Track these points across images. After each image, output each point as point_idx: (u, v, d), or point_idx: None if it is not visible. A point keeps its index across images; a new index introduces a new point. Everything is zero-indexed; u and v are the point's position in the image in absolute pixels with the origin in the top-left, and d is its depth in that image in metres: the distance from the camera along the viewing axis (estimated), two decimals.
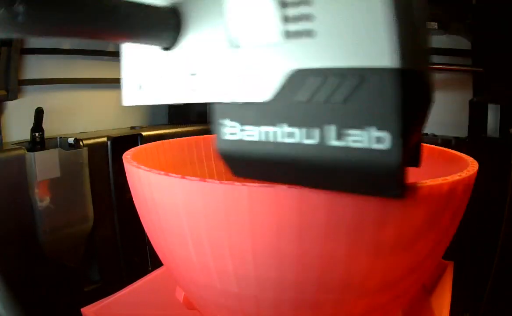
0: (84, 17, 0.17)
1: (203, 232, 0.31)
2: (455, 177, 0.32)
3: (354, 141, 0.17)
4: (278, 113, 0.19)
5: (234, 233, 0.30)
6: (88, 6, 0.17)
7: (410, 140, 0.18)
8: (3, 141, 0.66)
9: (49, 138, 0.68)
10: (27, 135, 0.66)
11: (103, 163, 0.73)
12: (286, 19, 0.18)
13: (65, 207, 0.65)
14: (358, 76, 0.17)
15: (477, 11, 0.78)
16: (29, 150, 0.62)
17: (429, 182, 0.30)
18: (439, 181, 0.31)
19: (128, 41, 0.22)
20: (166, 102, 0.23)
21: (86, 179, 0.68)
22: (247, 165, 0.22)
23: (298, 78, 0.18)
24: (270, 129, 0.19)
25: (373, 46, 0.16)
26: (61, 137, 0.70)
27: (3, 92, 0.65)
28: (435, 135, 0.85)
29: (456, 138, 0.83)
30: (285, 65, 0.18)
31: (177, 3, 0.21)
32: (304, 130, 0.18)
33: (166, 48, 0.22)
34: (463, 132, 0.86)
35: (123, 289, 0.50)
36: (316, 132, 0.18)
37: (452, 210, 0.33)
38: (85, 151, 0.68)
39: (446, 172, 0.39)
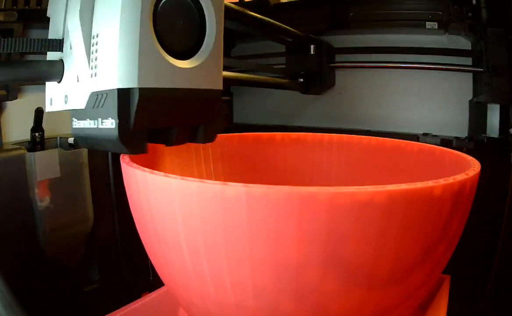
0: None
1: (199, 237, 0.31)
2: (463, 176, 0.32)
3: (106, 124, 0.34)
4: (87, 114, 0.36)
5: (232, 238, 0.30)
6: (14, 66, 0.36)
7: (128, 125, 0.34)
8: (3, 141, 0.66)
9: (49, 138, 0.68)
10: (27, 135, 0.66)
11: (103, 163, 0.73)
12: (92, 70, 0.35)
13: (65, 207, 0.65)
14: (105, 95, 0.34)
15: (477, 11, 0.79)
16: (29, 150, 0.62)
17: (442, 181, 0.30)
18: (449, 180, 0.30)
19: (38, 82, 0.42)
20: (55, 110, 0.41)
21: (86, 179, 0.68)
22: (84, 141, 0.39)
23: (91, 96, 0.36)
24: (86, 121, 0.37)
25: (111, 77, 0.34)
26: (61, 137, 0.70)
27: (3, 92, 0.65)
28: (435, 135, 0.85)
29: (456, 138, 0.83)
30: (89, 91, 0.36)
31: (61, 58, 0.39)
32: (93, 121, 0.36)
33: (58, 82, 0.39)
34: (463, 132, 0.86)
35: (122, 308, 0.49)
36: (96, 121, 0.35)
37: (461, 210, 0.33)
38: (85, 151, 0.68)
39: (448, 172, 0.39)
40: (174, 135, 0.39)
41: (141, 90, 0.33)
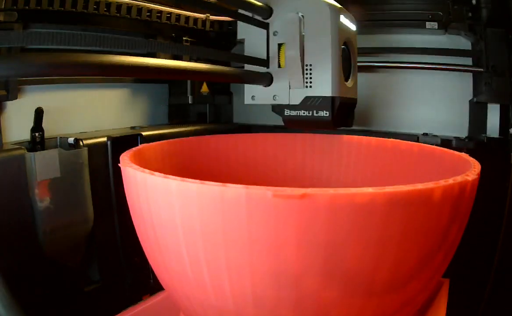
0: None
1: (199, 239, 0.31)
2: (464, 177, 0.32)
3: (320, 114, 0.58)
4: (301, 107, 0.60)
5: (231, 240, 0.30)
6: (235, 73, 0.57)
7: (333, 114, 0.58)
8: (3, 141, 0.66)
9: (49, 138, 0.68)
10: (27, 135, 0.66)
11: (103, 163, 0.73)
12: (306, 83, 0.61)
13: (65, 207, 0.65)
14: (320, 98, 0.58)
15: (477, 11, 0.78)
16: (29, 150, 0.62)
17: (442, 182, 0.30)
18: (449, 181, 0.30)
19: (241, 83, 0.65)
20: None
21: (86, 179, 0.68)
22: (295, 122, 0.63)
23: (306, 98, 0.59)
24: (300, 111, 0.61)
25: (325, 89, 0.58)
26: (61, 137, 0.70)
27: (3, 92, 0.65)
28: (435, 136, 0.85)
29: (456, 138, 0.83)
30: (304, 95, 0.60)
31: (268, 72, 0.60)
32: (307, 111, 0.59)
33: (265, 86, 0.59)
34: (463, 132, 0.86)
35: (123, 313, 0.49)
36: (311, 111, 0.59)
37: (461, 213, 0.33)
38: (85, 151, 0.68)
39: (448, 173, 0.39)
40: (340, 121, 0.60)
41: (340, 98, 0.57)
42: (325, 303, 0.31)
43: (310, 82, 0.57)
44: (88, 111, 0.84)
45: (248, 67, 0.60)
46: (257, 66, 0.59)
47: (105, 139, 0.73)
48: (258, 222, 0.29)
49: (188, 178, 0.30)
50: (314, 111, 0.57)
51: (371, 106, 0.97)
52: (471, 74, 0.85)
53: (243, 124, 1.09)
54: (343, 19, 0.58)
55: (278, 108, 0.60)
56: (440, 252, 0.34)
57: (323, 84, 0.57)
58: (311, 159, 0.66)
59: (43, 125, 0.66)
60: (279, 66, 0.58)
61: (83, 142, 0.68)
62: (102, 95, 0.87)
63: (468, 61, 0.86)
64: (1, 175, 0.58)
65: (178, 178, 0.31)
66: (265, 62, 0.59)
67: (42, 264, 0.63)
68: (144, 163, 0.45)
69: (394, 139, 0.61)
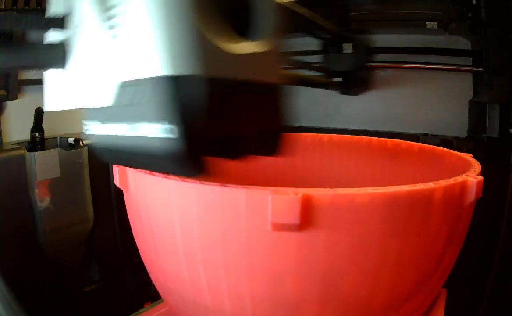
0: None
1: (196, 240, 0.31)
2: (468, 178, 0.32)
3: (153, 131, 0.23)
4: (116, 114, 0.25)
5: (229, 241, 0.29)
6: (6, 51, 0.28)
7: (194, 132, 0.22)
8: (3, 141, 0.66)
9: (49, 138, 0.68)
10: (27, 135, 0.66)
11: (103, 163, 0.73)
12: (118, 49, 0.24)
13: (65, 207, 0.65)
14: (149, 84, 0.22)
15: (477, 11, 0.78)
16: (29, 150, 0.62)
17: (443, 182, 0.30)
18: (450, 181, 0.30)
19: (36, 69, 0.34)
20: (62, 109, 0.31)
21: (86, 179, 0.68)
22: (112, 154, 0.28)
23: (123, 88, 0.24)
24: (116, 125, 0.26)
25: (153, 59, 0.22)
26: (61, 137, 0.70)
27: (3, 92, 0.65)
28: (435, 136, 0.85)
29: (456, 138, 0.83)
30: (117, 80, 0.25)
31: (65, 39, 0.28)
32: (129, 125, 0.24)
33: (62, 68, 0.29)
34: (463, 132, 0.86)
35: None
36: (135, 125, 0.24)
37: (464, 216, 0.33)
38: (85, 151, 0.68)
39: (448, 173, 0.39)
40: (241, 144, 0.29)
41: (210, 80, 0.22)
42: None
43: (126, 43, 0.24)
44: None
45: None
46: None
47: None
48: (258, 222, 0.29)
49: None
50: (141, 123, 0.24)
51: (371, 106, 0.97)
52: (471, 74, 0.85)
53: None
54: None
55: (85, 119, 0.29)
56: (445, 254, 0.34)
57: (155, 46, 0.22)
58: (311, 159, 0.66)
59: (43, 125, 0.66)
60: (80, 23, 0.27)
61: (83, 142, 0.68)
62: None
63: (468, 61, 0.85)
64: (1, 175, 0.58)
65: (178, 178, 0.31)
66: (62, 20, 0.28)
67: (42, 264, 0.63)
68: None
69: (394, 139, 0.61)
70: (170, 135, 0.22)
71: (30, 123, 0.66)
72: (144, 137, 0.23)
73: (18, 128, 0.69)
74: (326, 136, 0.66)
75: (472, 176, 0.33)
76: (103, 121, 0.26)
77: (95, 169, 0.70)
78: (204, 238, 0.31)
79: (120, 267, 0.76)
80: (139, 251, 0.40)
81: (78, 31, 0.27)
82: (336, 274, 0.29)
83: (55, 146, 0.67)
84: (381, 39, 0.93)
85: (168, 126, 0.22)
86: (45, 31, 0.30)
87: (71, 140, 0.68)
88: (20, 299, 0.37)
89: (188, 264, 0.32)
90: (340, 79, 0.94)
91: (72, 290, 0.69)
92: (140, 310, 0.54)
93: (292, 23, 0.82)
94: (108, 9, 0.24)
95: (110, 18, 0.24)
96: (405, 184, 0.29)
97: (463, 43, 0.86)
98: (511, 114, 0.79)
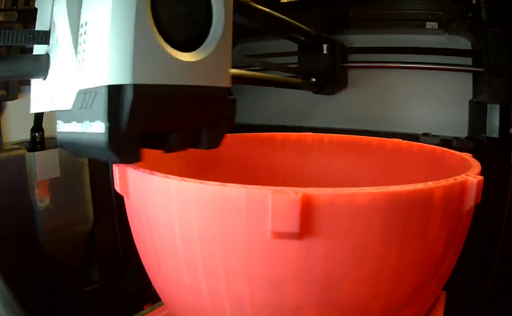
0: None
1: (197, 245, 0.31)
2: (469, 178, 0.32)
3: (94, 128, 0.29)
4: (74, 115, 0.32)
5: (229, 241, 0.29)
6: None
7: (120, 129, 0.29)
8: (3, 141, 0.66)
9: (49, 138, 0.68)
10: (27, 135, 0.66)
11: (103, 163, 0.73)
12: (79, 64, 0.31)
13: (65, 207, 0.65)
14: (94, 93, 0.29)
15: (477, 11, 0.78)
16: (29, 150, 0.62)
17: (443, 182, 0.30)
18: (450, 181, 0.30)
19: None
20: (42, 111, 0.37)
21: (86, 179, 0.68)
22: (71, 147, 0.35)
23: (78, 95, 0.31)
24: (72, 124, 0.32)
25: (100, 72, 0.29)
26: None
27: (3, 92, 0.65)
28: (435, 136, 0.85)
29: (456, 138, 0.83)
30: (76, 89, 0.31)
31: (47, 52, 0.34)
32: (80, 123, 0.31)
33: (44, 79, 0.35)
34: (463, 132, 0.86)
35: None
36: (83, 124, 0.31)
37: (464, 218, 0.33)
38: None
39: (449, 173, 0.39)
40: (174, 139, 0.34)
41: (136, 87, 0.28)
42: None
43: (83, 59, 0.30)
44: None
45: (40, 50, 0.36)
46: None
47: None
48: (258, 222, 0.28)
49: (188, 177, 0.30)
50: (87, 122, 0.30)
51: (371, 106, 0.97)
52: (471, 74, 0.85)
53: (243, 124, 1.09)
54: None
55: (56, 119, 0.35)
56: (444, 258, 0.34)
57: (99, 63, 0.28)
58: (311, 159, 0.66)
59: (43, 125, 0.66)
60: (57, 40, 0.33)
61: None
62: None
63: (468, 61, 0.85)
64: (1, 175, 0.58)
65: (177, 178, 0.31)
66: (45, 36, 0.33)
67: (42, 264, 0.63)
68: (143, 162, 0.45)
69: (394, 139, 0.61)
70: (101, 131, 0.29)
71: (30, 123, 0.66)
72: (90, 133, 0.30)
73: (18, 128, 0.69)
74: (326, 136, 0.66)
75: (472, 175, 0.33)
76: (65, 121, 0.33)
77: (95, 169, 0.70)
78: (204, 242, 0.31)
79: (120, 267, 0.76)
80: (140, 256, 0.40)
81: (55, 46, 0.33)
82: (335, 279, 0.29)
83: (55, 146, 0.67)
84: (381, 39, 0.93)
85: (102, 124, 0.29)
86: (31, 45, 0.36)
87: None
88: (20, 299, 0.37)
89: (188, 269, 0.32)
90: (314, 79, 0.96)
91: (72, 290, 0.69)
92: (141, 312, 0.54)
93: (267, 26, 0.83)
94: (77, 28, 0.31)
95: (78, 36, 0.31)
96: (405, 184, 0.29)
97: (463, 43, 0.86)
98: (511, 114, 0.79)
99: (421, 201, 0.30)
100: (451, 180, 0.31)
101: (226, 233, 0.29)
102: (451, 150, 0.49)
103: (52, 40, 0.34)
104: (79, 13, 0.30)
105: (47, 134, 0.67)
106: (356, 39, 0.96)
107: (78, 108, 0.31)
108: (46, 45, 0.34)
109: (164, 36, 0.29)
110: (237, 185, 0.28)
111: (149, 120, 0.31)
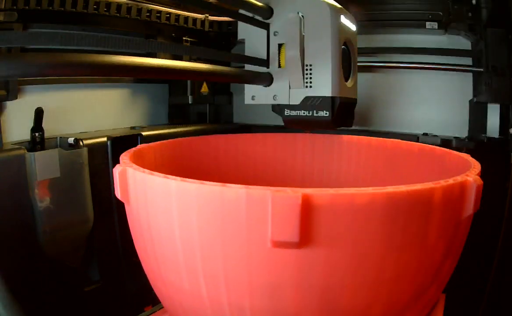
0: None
1: (197, 249, 0.30)
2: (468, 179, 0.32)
3: (320, 114, 0.58)
4: (301, 107, 0.60)
5: (228, 245, 0.29)
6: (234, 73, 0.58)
7: (333, 114, 0.58)
8: (3, 141, 0.66)
9: (49, 138, 0.68)
10: (27, 135, 0.66)
11: (103, 163, 0.73)
12: (306, 83, 0.60)
13: (65, 207, 0.65)
14: (320, 98, 0.58)
15: (477, 11, 0.78)
16: (29, 150, 0.62)
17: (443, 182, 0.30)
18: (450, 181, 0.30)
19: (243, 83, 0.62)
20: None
21: (86, 179, 0.68)
22: (295, 122, 0.63)
23: (306, 98, 0.59)
24: (301, 111, 0.61)
25: (325, 90, 0.58)
26: (61, 137, 0.70)
27: (3, 92, 0.65)
28: (435, 136, 0.85)
29: (456, 138, 0.83)
30: (303, 95, 0.60)
31: (268, 72, 0.60)
32: (307, 111, 0.59)
33: (265, 86, 0.59)
34: (463, 132, 0.86)
35: None
36: (311, 111, 0.60)
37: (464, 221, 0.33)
38: (85, 151, 0.68)
39: (448, 172, 0.39)
40: (345, 121, 0.63)
41: (340, 98, 0.57)
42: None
43: (310, 82, 0.57)
44: (88, 111, 0.84)
45: (248, 67, 0.60)
46: (258, 66, 0.59)
47: (105, 139, 0.73)
48: (258, 222, 0.28)
49: (188, 178, 0.30)
50: (314, 111, 0.57)
51: (371, 106, 0.97)
52: (471, 74, 0.85)
53: (243, 124, 1.09)
54: (343, 20, 0.58)
55: (278, 108, 0.61)
56: (443, 263, 0.34)
57: (323, 85, 0.57)
58: (311, 158, 0.66)
59: (43, 125, 0.66)
60: (279, 66, 0.59)
61: (83, 142, 0.68)
62: (102, 95, 0.87)
63: (468, 61, 0.85)
64: (1, 175, 0.58)
65: (178, 178, 0.31)
66: (265, 62, 0.59)
67: (42, 264, 0.63)
68: (143, 163, 0.45)
69: (394, 139, 0.61)
70: (326, 115, 0.56)
71: (30, 123, 0.66)
72: (317, 116, 0.57)
73: (18, 128, 0.69)
74: (326, 136, 0.66)
75: (472, 175, 0.33)
76: (291, 110, 0.59)
77: (95, 169, 0.70)
78: (204, 244, 0.31)
79: (120, 267, 0.76)
80: (141, 261, 0.40)
81: (278, 70, 0.59)
82: (335, 285, 0.29)
83: (55, 146, 0.67)
84: (381, 39, 0.93)
85: (324, 113, 0.56)
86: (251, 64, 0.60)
87: (71, 140, 0.68)
88: (20, 299, 0.37)
89: (189, 275, 0.32)
90: None
91: (72, 290, 0.69)
92: (141, 314, 0.54)
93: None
94: (304, 65, 0.57)
95: (305, 69, 0.57)
96: (405, 184, 0.29)
97: (463, 43, 0.86)
98: (511, 114, 0.79)
99: (420, 201, 0.30)
100: (450, 180, 0.31)
101: (226, 233, 0.29)
102: (451, 151, 0.49)
103: (272, 65, 0.59)
104: (304, 59, 0.56)
105: (47, 134, 0.67)
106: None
107: (308, 104, 0.58)
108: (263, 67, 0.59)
109: (343, 75, 0.59)
110: (237, 185, 0.28)
111: (340, 111, 0.58)
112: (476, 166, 0.37)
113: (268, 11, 0.58)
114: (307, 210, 0.27)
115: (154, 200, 0.33)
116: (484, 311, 0.77)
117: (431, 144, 0.56)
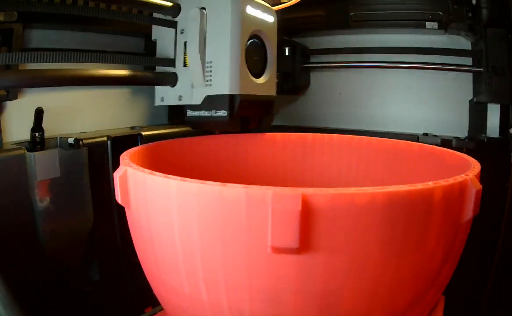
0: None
1: (196, 248, 0.30)
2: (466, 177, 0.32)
3: (219, 113, 0.55)
4: (202, 107, 0.58)
5: (229, 247, 0.29)
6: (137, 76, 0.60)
7: (233, 114, 0.54)
8: (3, 141, 0.66)
9: (49, 138, 0.68)
10: (27, 135, 0.66)
11: (103, 163, 0.73)
12: (207, 82, 0.58)
13: (65, 207, 0.65)
14: (219, 97, 0.55)
15: (477, 11, 0.78)
16: (29, 150, 0.61)
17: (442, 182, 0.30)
18: (449, 181, 0.30)
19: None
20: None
21: (86, 179, 0.68)
22: (197, 123, 0.60)
23: (206, 97, 0.56)
24: (201, 112, 0.58)
25: (224, 87, 0.55)
26: (61, 137, 0.70)
27: (3, 92, 0.65)
28: (435, 136, 0.85)
29: (456, 138, 0.83)
30: (204, 94, 0.57)
31: (174, 72, 0.58)
32: (208, 111, 0.56)
33: (172, 86, 0.58)
34: (463, 132, 0.86)
35: None
36: (211, 111, 0.57)
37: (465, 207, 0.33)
38: (85, 151, 0.68)
39: (448, 172, 0.39)
40: (250, 121, 0.61)
41: (240, 95, 0.54)
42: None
43: (210, 80, 0.54)
44: (88, 111, 0.84)
45: (161, 68, 0.58)
46: (169, 67, 0.57)
47: (105, 139, 0.73)
48: (258, 223, 0.28)
49: (188, 178, 0.30)
50: (214, 111, 0.55)
51: (371, 106, 0.97)
52: (471, 74, 0.85)
53: None
54: (251, 10, 0.54)
55: (182, 109, 0.58)
56: (443, 266, 0.33)
57: (222, 82, 0.53)
58: (311, 158, 0.66)
59: (43, 125, 0.66)
60: (185, 65, 0.56)
61: (83, 142, 0.68)
62: (102, 95, 0.87)
63: (468, 61, 0.85)
64: (1, 175, 0.58)
65: (178, 178, 0.31)
66: (172, 62, 0.57)
67: (42, 264, 0.63)
68: (144, 162, 0.45)
69: (394, 139, 0.61)
70: (225, 115, 0.54)
71: (30, 123, 0.65)
72: (216, 116, 0.54)
73: (18, 128, 0.69)
74: (326, 136, 0.66)
75: (471, 176, 0.33)
76: (194, 110, 0.56)
77: (95, 169, 0.70)
78: (204, 246, 0.31)
79: (120, 267, 0.76)
80: (142, 265, 0.40)
81: (183, 69, 0.56)
82: (334, 291, 0.29)
83: (55, 146, 0.67)
84: (381, 39, 0.93)
85: (225, 111, 0.54)
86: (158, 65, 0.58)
87: (71, 140, 0.68)
88: (20, 299, 0.37)
89: (189, 279, 0.32)
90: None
91: (72, 290, 0.69)
92: None
93: None
94: (204, 63, 0.54)
95: (205, 67, 0.54)
96: (405, 184, 0.29)
97: (463, 43, 0.86)
98: (511, 114, 0.79)
99: (420, 201, 0.30)
100: (450, 180, 0.31)
101: (226, 234, 0.29)
102: (451, 151, 0.49)
103: (178, 64, 0.57)
104: (205, 56, 0.54)
105: (47, 134, 0.67)
106: (357, 39, 0.96)
107: (208, 104, 0.54)
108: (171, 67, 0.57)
109: (250, 70, 0.56)
110: (237, 185, 0.28)
111: (243, 111, 0.55)
112: (476, 166, 0.37)
113: (176, 9, 0.55)
114: (307, 207, 0.27)
115: (154, 200, 0.33)
116: (484, 312, 0.77)
117: (431, 144, 0.56)
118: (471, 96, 0.85)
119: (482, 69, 0.80)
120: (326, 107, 1.04)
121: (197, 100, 0.56)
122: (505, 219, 0.75)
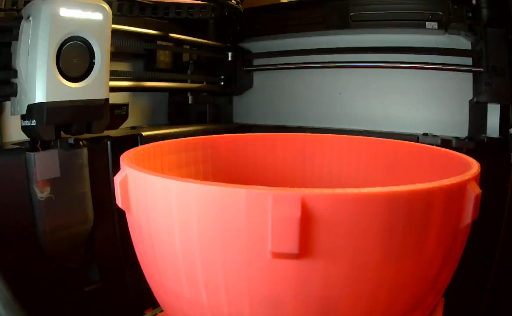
0: None
1: (196, 250, 0.30)
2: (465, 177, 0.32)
3: (33, 123, 0.57)
4: (26, 117, 0.57)
5: (229, 249, 0.29)
6: None
7: (42, 123, 0.55)
8: (3, 141, 0.66)
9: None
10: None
11: (103, 163, 0.73)
12: (25, 91, 0.58)
13: (65, 207, 0.65)
14: (32, 106, 0.56)
15: (477, 11, 0.78)
16: (29, 150, 0.62)
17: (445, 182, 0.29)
18: (450, 181, 0.30)
19: None
20: None
21: (86, 179, 0.68)
22: (28, 133, 0.59)
23: (28, 107, 0.56)
24: (27, 121, 0.58)
25: (33, 96, 0.55)
26: (61, 137, 0.70)
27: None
28: (435, 136, 0.85)
29: (456, 138, 0.83)
30: (26, 103, 0.56)
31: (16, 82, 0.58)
32: (29, 121, 0.57)
33: (16, 96, 0.59)
34: (463, 132, 0.86)
35: None
36: (30, 121, 0.57)
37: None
38: (85, 151, 0.68)
39: (448, 172, 0.39)
40: (74, 128, 0.61)
41: (48, 103, 0.54)
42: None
43: (28, 89, 0.54)
44: None
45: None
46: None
47: (105, 139, 0.73)
48: (258, 223, 0.28)
49: (188, 178, 0.30)
50: (31, 120, 0.55)
51: (371, 106, 0.97)
52: (471, 74, 0.85)
53: (243, 124, 1.09)
54: (66, 12, 0.53)
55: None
56: (442, 270, 0.33)
57: (32, 91, 0.54)
58: (311, 158, 0.66)
59: None
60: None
61: (83, 142, 0.68)
62: None
63: (468, 61, 0.85)
64: (1, 175, 0.58)
65: (178, 178, 0.31)
66: (16, 73, 0.57)
67: (42, 264, 0.63)
68: (144, 163, 0.45)
69: (394, 140, 0.61)
70: (33, 124, 0.57)
71: None
72: (32, 125, 0.57)
73: (18, 128, 0.69)
74: (326, 136, 0.66)
75: (471, 178, 0.33)
76: (24, 119, 0.57)
77: (95, 169, 0.70)
78: (204, 247, 0.31)
79: (120, 268, 0.76)
80: (142, 268, 0.40)
81: (19, 81, 0.57)
82: (334, 295, 0.29)
83: (55, 146, 0.67)
84: (381, 38, 0.93)
85: (32, 121, 0.56)
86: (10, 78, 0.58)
87: (71, 140, 0.68)
88: (20, 299, 0.37)
89: (189, 283, 0.32)
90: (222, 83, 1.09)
91: (72, 290, 0.69)
92: None
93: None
94: (27, 72, 0.55)
95: (28, 77, 0.55)
96: (405, 184, 0.29)
97: (463, 43, 0.86)
98: (511, 114, 0.79)
99: (421, 200, 0.29)
100: (451, 180, 0.31)
101: (226, 236, 0.29)
102: (451, 151, 0.49)
103: (19, 74, 0.56)
104: (26, 65, 0.54)
105: None
106: (357, 39, 0.96)
107: (28, 113, 0.55)
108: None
109: (63, 75, 0.55)
110: (237, 185, 0.28)
111: (57, 118, 0.56)
112: (476, 166, 0.37)
113: (18, 21, 0.55)
114: (306, 212, 0.27)
115: (154, 200, 0.33)
116: (484, 313, 0.77)
117: (431, 144, 0.56)
118: (471, 96, 0.85)
119: (482, 69, 0.80)
120: (325, 107, 1.04)
121: (22, 110, 0.56)
122: (505, 219, 0.75)
